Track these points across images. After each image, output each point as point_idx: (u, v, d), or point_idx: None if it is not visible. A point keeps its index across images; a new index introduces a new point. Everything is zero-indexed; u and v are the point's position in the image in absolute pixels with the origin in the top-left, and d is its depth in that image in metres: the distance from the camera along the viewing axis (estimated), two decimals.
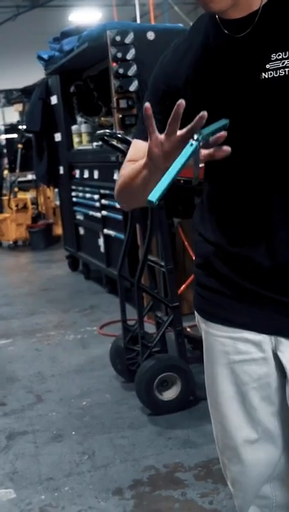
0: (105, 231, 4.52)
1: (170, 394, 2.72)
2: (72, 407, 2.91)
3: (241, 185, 1.15)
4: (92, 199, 4.72)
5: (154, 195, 0.97)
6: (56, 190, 6.90)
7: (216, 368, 1.25)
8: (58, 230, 7.24)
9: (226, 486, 2.12)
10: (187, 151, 1.01)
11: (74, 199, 5.29)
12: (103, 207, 4.49)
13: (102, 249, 4.68)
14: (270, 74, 1.04)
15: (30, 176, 8.00)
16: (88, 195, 4.83)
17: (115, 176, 4.03)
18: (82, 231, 5.32)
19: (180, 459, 2.35)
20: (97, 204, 4.58)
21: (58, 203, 6.90)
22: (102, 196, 4.47)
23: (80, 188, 5.07)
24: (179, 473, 2.25)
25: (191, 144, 1.02)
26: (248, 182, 1.13)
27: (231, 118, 1.08)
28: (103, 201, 4.46)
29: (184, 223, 3.74)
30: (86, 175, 4.82)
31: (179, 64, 1.17)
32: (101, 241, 4.69)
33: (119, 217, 4.10)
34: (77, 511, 2.09)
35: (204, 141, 1.03)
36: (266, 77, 1.04)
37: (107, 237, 4.54)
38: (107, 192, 4.34)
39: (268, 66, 1.04)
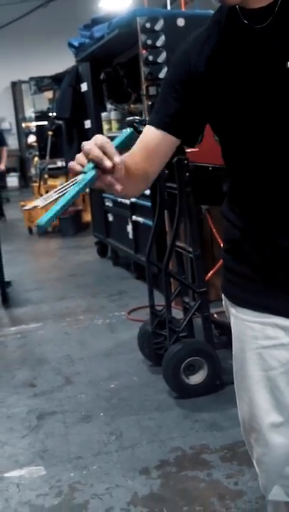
0: (134, 218, 4.56)
1: (197, 378, 2.76)
2: (100, 389, 2.97)
3: (266, 173, 1.17)
4: None
5: (43, 219, 1.02)
6: None
7: (245, 352, 1.28)
8: (87, 217, 7.29)
9: (250, 467, 2.16)
10: (85, 178, 1.04)
11: None
12: None
13: (130, 235, 4.72)
14: None
15: (59, 163, 8.07)
16: None
17: None
18: (111, 218, 5.37)
19: (206, 441, 2.39)
20: None
21: (87, 190, 6.96)
22: None
23: None
24: (205, 455, 2.29)
25: (86, 172, 1.05)
26: (273, 170, 1.15)
27: (255, 107, 1.10)
28: None
29: (212, 210, 3.74)
30: None
31: (200, 55, 1.17)
32: (129, 227, 4.73)
33: (148, 204, 4.13)
34: (105, 489, 2.15)
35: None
36: None
37: (135, 223, 4.58)
38: None
39: None
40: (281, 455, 1.30)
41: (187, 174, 2.66)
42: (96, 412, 2.74)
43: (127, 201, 4.62)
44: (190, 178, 2.66)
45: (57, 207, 1.03)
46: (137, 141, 1.25)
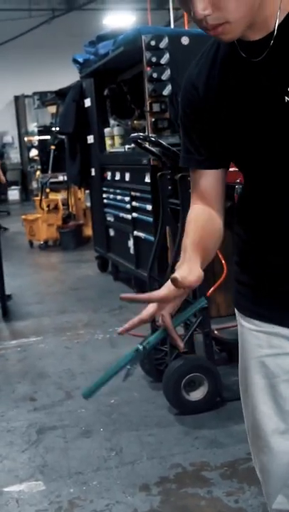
0: (135, 233, 4.58)
1: (197, 394, 2.76)
2: (100, 404, 2.97)
3: (267, 195, 1.19)
4: (123, 201, 4.79)
5: (88, 392, 1.13)
6: (87, 191, 7.01)
7: (249, 360, 1.30)
8: (88, 231, 7.32)
9: (251, 485, 2.16)
10: (130, 354, 1.12)
11: (105, 201, 5.36)
12: (134, 209, 4.54)
13: (131, 250, 4.74)
14: None
15: (61, 177, 8.13)
16: (119, 197, 4.89)
17: (146, 179, 4.08)
18: (112, 232, 5.39)
19: (206, 458, 2.38)
20: (128, 206, 4.64)
21: (88, 204, 7.00)
22: (133, 198, 4.53)
23: (112, 190, 5.14)
24: (205, 472, 2.29)
25: (137, 349, 1.13)
26: (273, 193, 1.17)
27: (255, 140, 1.12)
28: (134, 203, 4.52)
29: None
30: (117, 177, 4.89)
31: (199, 77, 1.19)
32: (131, 243, 4.75)
33: (150, 219, 4.15)
34: (105, 505, 2.14)
35: (148, 350, 1.13)
36: None
37: (137, 238, 4.60)
38: (138, 194, 4.40)
39: None
40: (285, 463, 1.30)
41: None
42: (96, 427, 2.74)
43: (129, 216, 4.65)
44: None
45: (101, 380, 1.14)
46: (198, 185, 1.27)
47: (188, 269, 1.10)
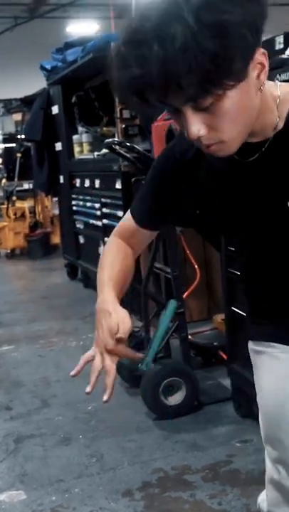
0: (106, 239, 4.57)
1: (176, 398, 2.77)
2: (78, 411, 2.95)
3: (263, 285, 1.28)
4: (93, 207, 4.78)
5: (147, 364, 1.17)
6: (54, 199, 6.97)
7: (265, 376, 1.32)
8: (56, 239, 7.28)
9: (233, 487, 2.18)
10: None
11: (74, 208, 5.34)
12: (104, 215, 4.54)
13: None
14: None
15: (26, 185, 8.06)
16: (89, 204, 4.88)
17: (117, 185, 4.09)
18: (82, 239, 5.37)
19: (188, 461, 2.39)
20: (98, 212, 4.64)
21: (56, 212, 6.96)
22: (103, 205, 4.53)
23: (81, 197, 5.13)
24: (187, 475, 2.29)
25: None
26: (270, 285, 1.26)
27: (252, 239, 1.20)
28: (104, 210, 4.52)
29: (185, 232, 3.80)
30: (87, 184, 4.88)
31: (188, 166, 1.18)
32: (101, 249, 4.74)
33: None
34: None
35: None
36: None
37: None
38: (109, 201, 4.40)
39: None
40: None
41: None
42: (75, 434, 2.72)
43: (99, 223, 4.64)
44: None
45: (152, 350, 1.15)
46: (125, 230, 1.34)
47: (120, 318, 1.16)
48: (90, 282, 5.49)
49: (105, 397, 1.13)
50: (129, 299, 3.17)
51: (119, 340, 1.14)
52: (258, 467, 2.22)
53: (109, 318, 1.17)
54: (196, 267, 3.53)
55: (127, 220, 1.33)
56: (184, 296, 3.50)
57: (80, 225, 5.30)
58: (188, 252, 3.75)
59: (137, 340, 3.07)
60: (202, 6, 0.86)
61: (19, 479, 2.38)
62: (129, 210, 1.34)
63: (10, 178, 8.08)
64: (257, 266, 1.26)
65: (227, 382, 2.85)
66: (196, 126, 0.95)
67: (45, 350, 3.91)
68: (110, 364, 1.16)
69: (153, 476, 2.31)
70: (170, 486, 2.24)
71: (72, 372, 1.20)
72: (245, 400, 2.58)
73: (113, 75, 0.95)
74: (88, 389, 1.15)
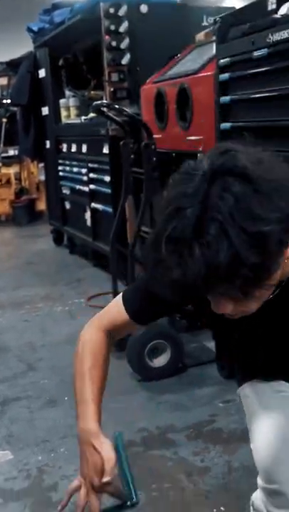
0: (93, 205, 4.55)
1: (160, 361, 2.80)
2: (64, 375, 2.96)
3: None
4: (80, 173, 4.74)
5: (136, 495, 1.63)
6: (41, 165, 6.89)
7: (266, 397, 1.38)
8: (41, 206, 7.22)
9: (216, 445, 2.23)
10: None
11: (60, 173, 5.29)
12: (91, 180, 4.51)
13: (88, 222, 4.71)
14: None
15: (12, 152, 7.96)
16: (76, 169, 4.84)
17: (104, 150, 4.05)
18: (68, 205, 5.34)
19: (171, 421, 2.43)
20: (85, 178, 4.60)
21: (42, 178, 6.89)
22: (91, 170, 4.49)
23: (67, 162, 5.08)
24: (171, 434, 2.33)
25: None
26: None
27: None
28: (91, 175, 4.49)
29: None
30: (74, 149, 4.83)
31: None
32: (88, 215, 4.72)
33: (108, 190, 4.13)
34: (74, 470, 2.15)
35: None
36: None
37: (94, 210, 4.57)
38: (96, 166, 4.36)
39: None
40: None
41: (154, 159, 2.69)
42: (61, 397, 2.74)
43: (86, 188, 4.61)
44: (157, 163, 2.69)
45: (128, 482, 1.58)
46: (113, 319, 1.39)
47: (105, 455, 1.27)
48: (75, 248, 5.48)
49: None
50: (115, 264, 3.18)
51: (106, 484, 1.22)
52: (240, 426, 2.26)
53: (95, 455, 1.25)
54: None
55: (115, 309, 1.36)
56: None
57: (66, 191, 5.26)
58: None
59: None
60: (242, 215, 0.86)
61: (5, 440, 2.40)
62: (120, 300, 1.35)
63: None
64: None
65: (211, 344, 2.88)
66: (226, 309, 0.99)
67: (31, 315, 3.91)
68: (95, 502, 1.24)
69: (137, 435, 2.35)
70: (154, 444, 2.27)
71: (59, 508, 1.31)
72: (227, 363, 2.62)
73: (151, 268, 0.96)
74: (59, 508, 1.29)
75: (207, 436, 2.29)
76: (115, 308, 1.36)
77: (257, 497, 1.42)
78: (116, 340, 1.42)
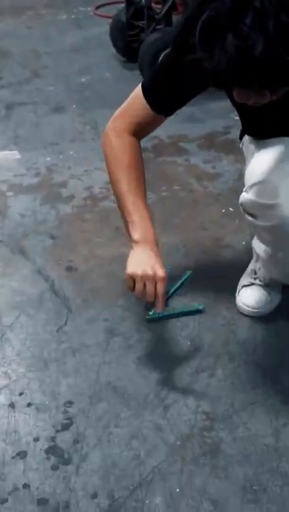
0: None
1: None
2: (70, 82, 2.81)
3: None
4: None
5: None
6: None
7: None
8: None
9: (228, 154, 2.18)
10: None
11: None
12: None
13: None
14: None
15: None
16: None
17: None
18: None
19: (184, 131, 2.35)
20: None
21: None
22: None
23: None
24: (183, 143, 2.28)
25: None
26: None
27: None
28: None
29: None
30: None
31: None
32: None
33: None
34: (84, 171, 2.14)
35: None
36: None
37: None
38: None
39: None
40: None
41: None
42: (68, 103, 2.62)
43: None
44: None
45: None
46: (133, 110, 1.32)
47: (155, 260, 1.22)
48: None
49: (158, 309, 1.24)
50: None
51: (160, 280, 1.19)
52: None
53: (152, 258, 1.21)
54: None
55: (137, 102, 1.28)
56: None
57: None
58: None
59: (136, 7, 2.76)
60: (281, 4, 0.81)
61: (12, 141, 2.35)
62: (140, 92, 1.27)
63: None
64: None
65: None
66: (248, 100, 0.96)
67: (33, 22, 3.58)
68: (160, 287, 1.20)
69: (148, 143, 2.27)
70: (165, 151, 2.23)
71: (158, 309, 1.26)
72: None
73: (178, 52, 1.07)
74: (158, 309, 1.24)
75: (220, 146, 2.24)
76: (136, 102, 1.29)
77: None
78: (142, 138, 1.36)
